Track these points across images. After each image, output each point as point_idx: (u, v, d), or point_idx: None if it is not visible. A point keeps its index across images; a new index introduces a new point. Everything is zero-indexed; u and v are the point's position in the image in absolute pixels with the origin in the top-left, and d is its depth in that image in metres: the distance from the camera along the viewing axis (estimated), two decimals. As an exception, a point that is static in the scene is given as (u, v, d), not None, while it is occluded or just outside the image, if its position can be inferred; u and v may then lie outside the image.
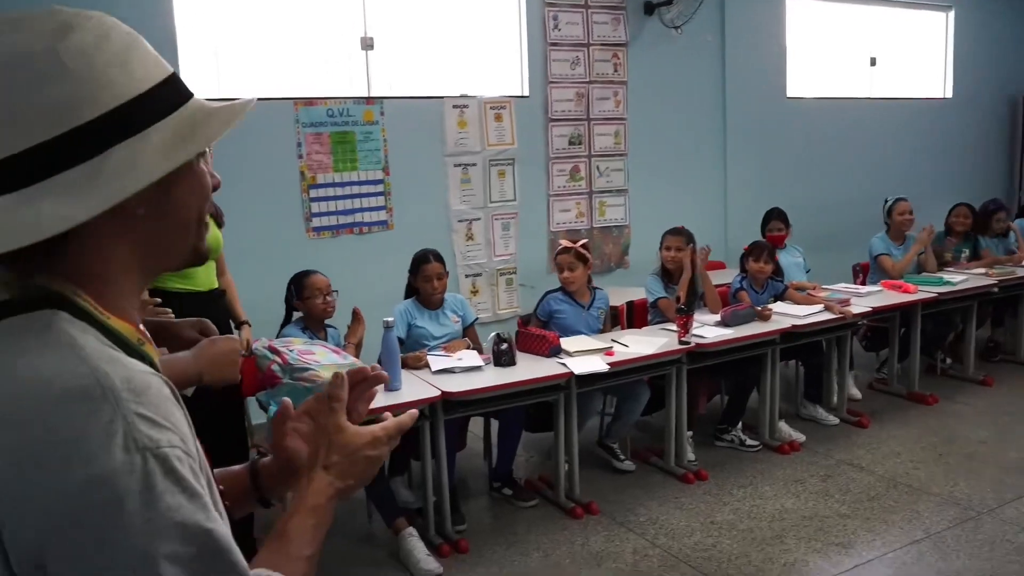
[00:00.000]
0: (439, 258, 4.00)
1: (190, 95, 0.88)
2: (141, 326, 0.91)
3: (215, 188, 1.60)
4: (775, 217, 5.26)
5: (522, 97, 5.61)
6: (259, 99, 4.05)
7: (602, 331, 4.28)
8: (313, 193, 5.02)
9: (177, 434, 0.73)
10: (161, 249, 0.87)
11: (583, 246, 4.22)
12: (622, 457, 4.23)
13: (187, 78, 4.16)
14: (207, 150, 0.89)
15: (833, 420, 4.74)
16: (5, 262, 0.77)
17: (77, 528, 0.67)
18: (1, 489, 0.69)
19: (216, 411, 3.36)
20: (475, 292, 5.55)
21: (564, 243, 4.29)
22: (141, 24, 0.87)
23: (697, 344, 3.98)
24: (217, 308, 3.43)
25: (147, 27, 4.47)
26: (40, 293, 0.79)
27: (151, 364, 0.82)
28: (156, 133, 0.81)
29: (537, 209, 5.74)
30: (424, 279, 3.94)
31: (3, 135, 0.75)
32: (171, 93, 0.85)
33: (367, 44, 5.10)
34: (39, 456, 0.68)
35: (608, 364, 3.67)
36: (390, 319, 3.44)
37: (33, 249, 0.74)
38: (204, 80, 4.66)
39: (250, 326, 3.56)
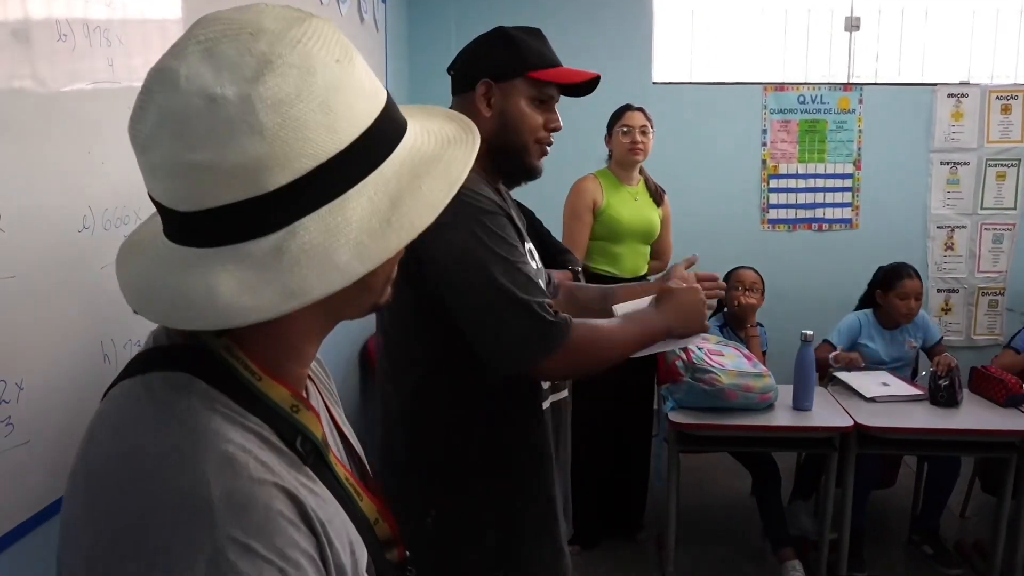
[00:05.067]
0: (919, 275, 3.57)
1: (401, 134, 0.75)
2: (312, 385, 0.86)
3: (555, 130, 1.52)
4: None
5: (1041, 86, 4.64)
6: (728, 83, 3.98)
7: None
8: (773, 183, 4.80)
9: (279, 564, 0.63)
10: (342, 309, 0.79)
11: None
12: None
13: (660, 62, 4.46)
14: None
15: None
16: None
17: None
18: (91, 557, 0.65)
19: (630, 390, 3.44)
20: (946, 310, 4.81)
21: None
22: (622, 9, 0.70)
23: None
24: (636, 296, 3.47)
25: (626, 9, 4.42)
26: (192, 345, 0.72)
27: (303, 433, 0.74)
28: (355, 200, 0.69)
29: (1044, 222, 4.74)
30: (900, 296, 3.51)
31: (195, 188, 0.66)
32: (377, 139, 0.72)
33: (852, 24, 4.66)
34: (125, 545, 0.63)
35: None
36: (809, 332, 3.11)
37: None
38: (676, 63, 4.69)
39: None
